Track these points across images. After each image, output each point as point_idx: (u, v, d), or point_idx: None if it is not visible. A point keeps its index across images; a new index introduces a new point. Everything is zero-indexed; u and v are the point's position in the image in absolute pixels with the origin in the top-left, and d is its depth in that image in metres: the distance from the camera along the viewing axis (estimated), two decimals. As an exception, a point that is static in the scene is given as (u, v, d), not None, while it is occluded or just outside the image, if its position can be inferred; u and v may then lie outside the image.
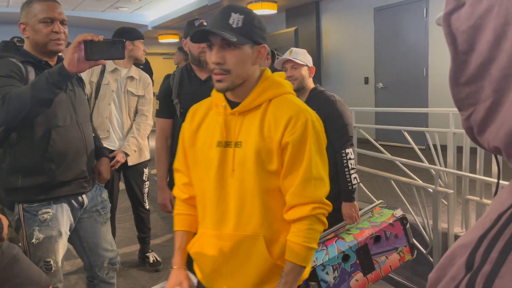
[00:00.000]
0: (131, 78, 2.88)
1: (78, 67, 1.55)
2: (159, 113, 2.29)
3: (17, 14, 1.87)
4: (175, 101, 2.19)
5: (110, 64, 2.84)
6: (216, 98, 1.34)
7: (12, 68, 1.69)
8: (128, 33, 2.85)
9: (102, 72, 2.83)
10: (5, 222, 1.50)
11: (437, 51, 6.16)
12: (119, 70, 2.87)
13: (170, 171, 2.26)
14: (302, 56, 2.42)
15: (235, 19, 1.22)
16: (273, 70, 3.89)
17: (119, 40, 1.61)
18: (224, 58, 1.22)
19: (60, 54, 1.89)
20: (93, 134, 2.02)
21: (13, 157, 1.73)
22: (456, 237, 2.70)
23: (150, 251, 3.25)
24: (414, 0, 6.44)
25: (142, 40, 2.90)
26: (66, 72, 1.55)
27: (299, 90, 2.43)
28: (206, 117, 1.36)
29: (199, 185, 1.36)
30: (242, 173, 1.26)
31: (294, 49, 2.46)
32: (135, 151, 2.89)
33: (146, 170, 3.08)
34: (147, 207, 3.15)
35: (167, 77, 2.29)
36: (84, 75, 2.82)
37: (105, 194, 2.04)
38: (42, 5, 1.74)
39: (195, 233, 1.44)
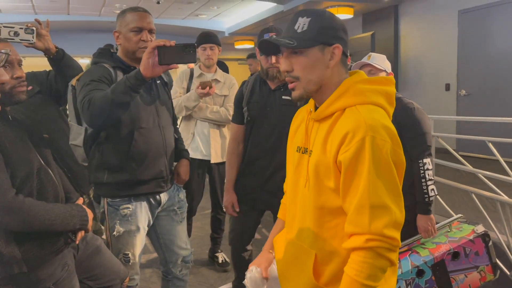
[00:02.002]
0: (216, 81, 3.07)
1: (152, 71, 1.64)
2: (233, 118, 2.37)
3: (107, 23, 2.03)
4: (244, 108, 2.24)
5: (196, 70, 3.09)
6: (310, 102, 1.31)
7: (103, 73, 1.83)
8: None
9: (191, 78, 3.08)
10: (91, 215, 1.62)
11: (529, 56, 5.67)
12: (205, 74, 3.10)
13: (239, 176, 2.30)
14: (381, 61, 2.35)
15: (301, 24, 1.17)
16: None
17: (190, 45, 1.65)
18: (292, 65, 1.19)
19: None
20: (176, 136, 2.12)
21: (101, 154, 1.87)
22: (547, 260, 2.46)
23: (219, 251, 3.33)
24: (505, 1, 5.99)
25: (203, 45, 3.03)
26: (142, 76, 1.64)
27: None
28: (303, 121, 1.33)
29: (287, 185, 1.40)
30: (309, 184, 1.21)
31: (373, 54, 2.40)
32: (213, 110, 3.03)
33: None
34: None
35: (243, 83, 2.35)
36: (179, 82, 3.08)
37: (182, 195, 2.13)
38: (134, 15, 1.86)
39: None
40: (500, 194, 2.83)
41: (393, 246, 1.08)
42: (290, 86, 1.22)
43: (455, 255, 2.07)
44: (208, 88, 2.85)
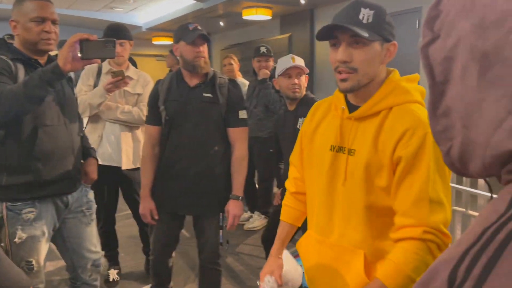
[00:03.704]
0: (129, 78, 2.78)
1: (72, 65, 1.56)
2: (147, 119, 2.23)
3: (10, 11, 1.85)
4: (161, 108, 2.13)
5: (105, 66, 2.81)
6: (337, 99, 1.28)
7: (2, 65, 1.68)
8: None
9: (99, 75, 2.79)
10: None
11: (428, 63, 6.21)
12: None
13: (157, 181, 2.19)
14: (303, 63, 2.41)
15: (365, 14, 1.13)
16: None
17: (110, 40, 1.62)
18: (352, 56, 1.14)
19: (55, 53, 1.88)
20: (81, 134, 2.00)
21: (-2, 155, 1.71)
22: (442, 248, 2.71)
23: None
24: (407, 11, 6.51)
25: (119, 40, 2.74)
26: (60, 70, 1.55)
27: (297, 98, 2.42)
28: (326, 118, 1.31)
29: (310, 186, 1.35)
30: (352, 184, 1.19)
31: (295, 56, 2.43)
32: (124, 110, 2.78)
33: None
34: None
35: (158, 82, 2.23)
36: (84, 79, 2.80)
37: (90, 195, 2.02)
38: (34, 4, 1.72)
39: (301, 228, 1.50)
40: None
41: (444, 244, 1.09)
42: (342, 76, 1.16)
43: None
44: (120, 78, 2.55)
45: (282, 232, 1.47)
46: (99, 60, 1.65)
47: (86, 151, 2.02)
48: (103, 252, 2.11)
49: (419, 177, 1.09)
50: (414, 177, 1.10)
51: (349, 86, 1.17)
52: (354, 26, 1.11)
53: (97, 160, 2.08)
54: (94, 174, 2.03)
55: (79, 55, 1.57)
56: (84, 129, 2.87)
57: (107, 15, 9.62)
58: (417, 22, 6.38)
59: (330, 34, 1.16)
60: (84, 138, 2.04)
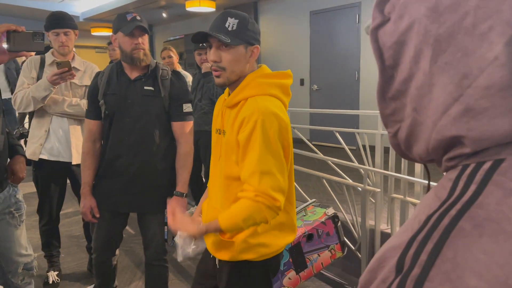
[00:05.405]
0: (75, 69, 2.65)
1: None
2: (87, 113, 2.12)
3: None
4: (100, 102, 2.04)
5: (49, 57, 2.66)
6: (226, 91, 1.56)
7: None
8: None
9: (42, 66, 2.64)
10: None
11: (368, 56, 6.44)
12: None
13: (98, 177, 2.11)
14: None
15: (231, 23, 1.38)
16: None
17: (39, 32, 1.57)
18: (220, 57, 1.39)
19: None
20: (7, 130, 1.86)
21: None
22: (383, 233, 2.82)
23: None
24: (347, 6, 6.69)
25: (54, 30, 2.58)
26: None
27: None
28: (221, 107, 1.57)
29: (211, 164, 1.62)
30: (223, 159, 1.48)
31: None
32: (71, 103, 2.65)
33: None
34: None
35: (98, 74, 2.12)
36: (26, 72, 2.62)
37: (19, 195, 1.88)
38: None
39: None
40: (346, 179, 3.15)
41: (274, 206, 1.35)
42: (215, 74, 1.42)
43: (309, 237, 2.24)
44: (66, 70, 2.41)
45: (204, 197, 1.74)
46: (28, 53, 1.57)
47: (13, 148, 1.88)
48: (35, 255, 1.98)
49: (252, 155, 1.36)
50: (250, 155, 1.37)
51: (222, 82, 1.43)
52: (220, 33, 1.36)
53: (25, 157, 1.94)
54: (22, 173, 1.89)
55: (5, 46, 1.50)
56: (27, 124, 2.70)
57: (41, 4, 9.07)
58: (357, 17, 6.58)
59: (205, 39, 1.41)
60: (9, 135, 1.90)
